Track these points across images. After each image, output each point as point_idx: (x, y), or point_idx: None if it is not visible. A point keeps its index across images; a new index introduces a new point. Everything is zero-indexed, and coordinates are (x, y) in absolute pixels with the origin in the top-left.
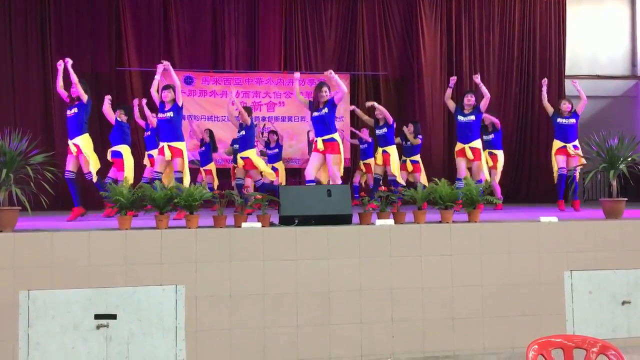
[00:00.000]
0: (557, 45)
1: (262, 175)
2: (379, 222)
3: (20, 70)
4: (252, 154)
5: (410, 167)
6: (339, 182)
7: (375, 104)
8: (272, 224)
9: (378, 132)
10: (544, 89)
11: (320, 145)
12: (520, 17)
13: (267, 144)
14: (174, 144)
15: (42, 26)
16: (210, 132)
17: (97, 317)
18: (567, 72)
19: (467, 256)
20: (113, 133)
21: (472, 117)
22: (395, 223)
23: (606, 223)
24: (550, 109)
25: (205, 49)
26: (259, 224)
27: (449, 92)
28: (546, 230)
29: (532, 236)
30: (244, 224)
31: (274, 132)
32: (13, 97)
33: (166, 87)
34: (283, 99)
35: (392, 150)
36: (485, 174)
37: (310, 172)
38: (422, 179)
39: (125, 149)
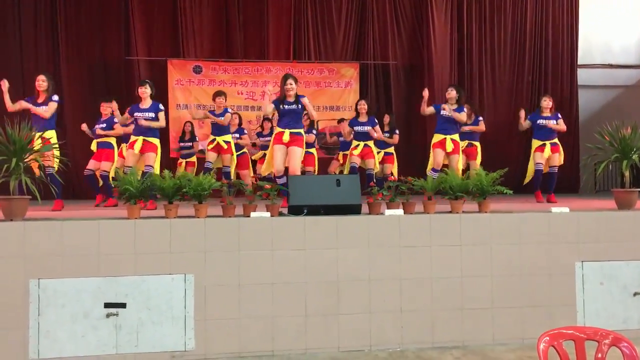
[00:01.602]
0: (569, 34)
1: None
2: (388, 212)
3: (30, 59)
4: (230, 138)
5: (381, 158)
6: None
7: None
8: (281, 214)
9: (360, 128)
10: (522, 117)
11: (286, 137)
12: (532, 4)
13: (260, 133)
14: (151, 139)
15: (52, 16)
16: (192, 125)
17: (107, 305)
18: (580, 61)
19: (477, 246)
20: (107, 125)
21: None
22: (404, 213)
23: (618, 214)
24: (526, 127)
25: (215, 37)
26: (267, 214)
27: (424, 106)
28: (557, 221)
29: (543, 227)
30: (252, 214)
31: (269, 120)
32: (23, 86)
33: (143, 83)
34: None
35: (372, 144)
36: (459, 168)
37: (281, 168)
38: (394, 171)
39: (114, 141)
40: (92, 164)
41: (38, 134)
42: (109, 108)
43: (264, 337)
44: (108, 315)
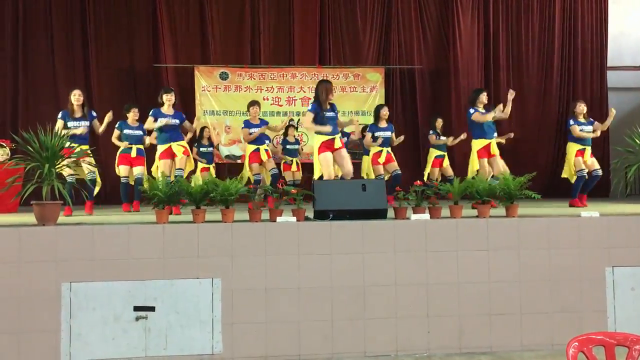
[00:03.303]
0: (598, 36)
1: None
2: (414, 216)
3: (62, 68)
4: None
5: (446, 162)
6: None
7: None
8: (307, 219)
9: (382, 133)
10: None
11: (338, 143)
12: (560, 5)
13: (285, 140)
14: (181, 142)
15: (83, 24)
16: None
17: (136, 309)
18: (610, 63)
19: (504, 251)
20: (142, 133)
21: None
22: (431, 218)
23: None
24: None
25: (241, 44)
26: (293, 219)
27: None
28: (587, 226)
29: (573, 231)
30: (279, 218)
31: (294, 127)
32: (55, 94)
33: (168, 91)
34: None
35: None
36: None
37: (333, 175)
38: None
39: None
40: (125, 170)
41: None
42: (137, 114)
43: (291, 341)
44: (137, 319)
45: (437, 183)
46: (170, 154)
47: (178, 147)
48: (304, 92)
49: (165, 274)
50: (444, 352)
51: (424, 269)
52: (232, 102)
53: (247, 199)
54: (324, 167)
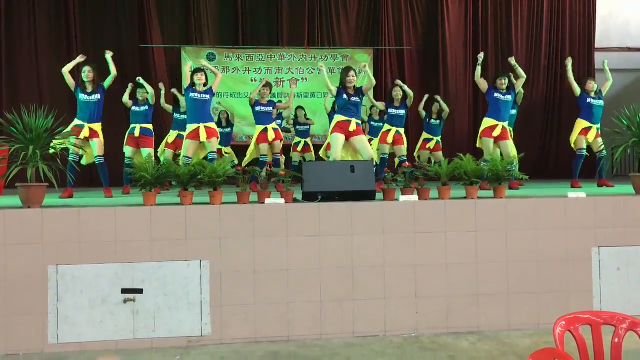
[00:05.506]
0: (586, 17)
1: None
2: (402, 198)
3: (45, 48)
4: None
5: (432, 145)
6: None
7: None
8: (295, 200)
9: (395, 111)
10: (569, 67)
11: (353, 126)
12: None
13: (295, 121)
14: (210, 124)
15: (67, 5)
16: (227, 113)
17: (124, 291)
18: (597, 44)
19: (492, 232)
20: (147, 112)
21: (509, 97)
22: (419, 199)
23: (636, 198)
24: (577, 90)
25: (228, 25)
26: (282, 200)
27: (479, 70)
28: (574, 206)
29: (560, 212)
30: (267, 200)
31: (302, 108)
32: (37, 75)
33: (199, 70)
34: (306, 75)
35: (403, 131)
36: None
37: (340, 156)
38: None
39: (151, 127)
40: (130, 152)
41: (87, 125)
42: (145, 94)
43: (280, 322)
44: (125, 301)
45: (426, 165)
46: (197, 135)
47: (204, 130)
48: (292, 73)
49: (153, 256)
50: (432, 332)
51: (412, 250)
52: (220, 84)
53: (236, 180)
54: (333, 146)
